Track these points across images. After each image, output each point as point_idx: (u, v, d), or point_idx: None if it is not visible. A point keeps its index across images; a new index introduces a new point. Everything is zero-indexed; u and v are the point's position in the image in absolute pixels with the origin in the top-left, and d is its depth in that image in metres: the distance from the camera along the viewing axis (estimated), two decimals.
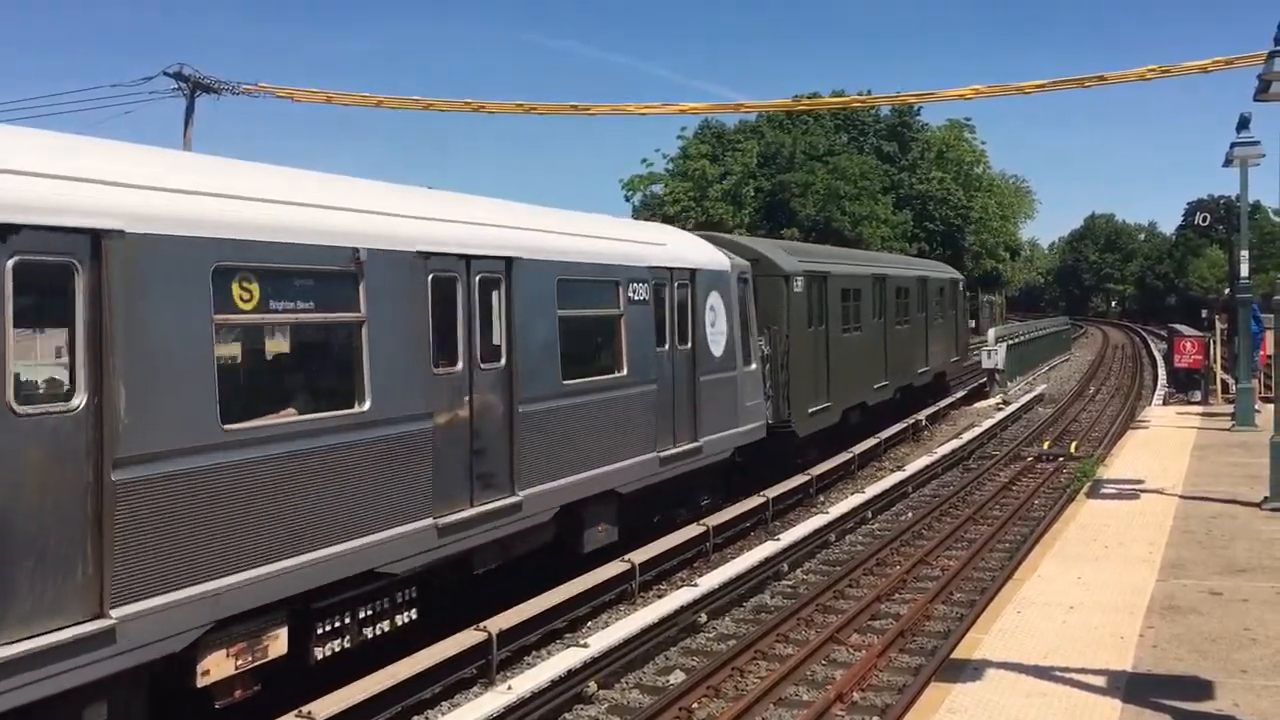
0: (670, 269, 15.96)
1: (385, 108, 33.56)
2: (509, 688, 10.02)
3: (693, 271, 16.63)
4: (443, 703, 10.44)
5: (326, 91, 32.65)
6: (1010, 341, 45.24)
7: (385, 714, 9.70)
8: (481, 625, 11.09)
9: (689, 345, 16.42)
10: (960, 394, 37.79)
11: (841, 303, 24.53)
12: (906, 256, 47.06)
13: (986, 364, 40.82)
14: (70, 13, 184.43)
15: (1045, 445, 27.53)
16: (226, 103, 33.52)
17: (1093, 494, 17.37)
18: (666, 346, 15.71)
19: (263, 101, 33.07)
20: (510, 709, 9.71)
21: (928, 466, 23.38)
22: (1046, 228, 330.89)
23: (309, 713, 8.82)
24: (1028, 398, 38.11)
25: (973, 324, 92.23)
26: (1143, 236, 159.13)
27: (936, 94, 29.37)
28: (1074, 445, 27.43)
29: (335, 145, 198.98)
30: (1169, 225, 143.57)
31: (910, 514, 19.75)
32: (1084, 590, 11.64)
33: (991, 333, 46.49)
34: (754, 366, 18.85)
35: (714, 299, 17.23)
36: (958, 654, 9.95)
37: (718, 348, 17.31)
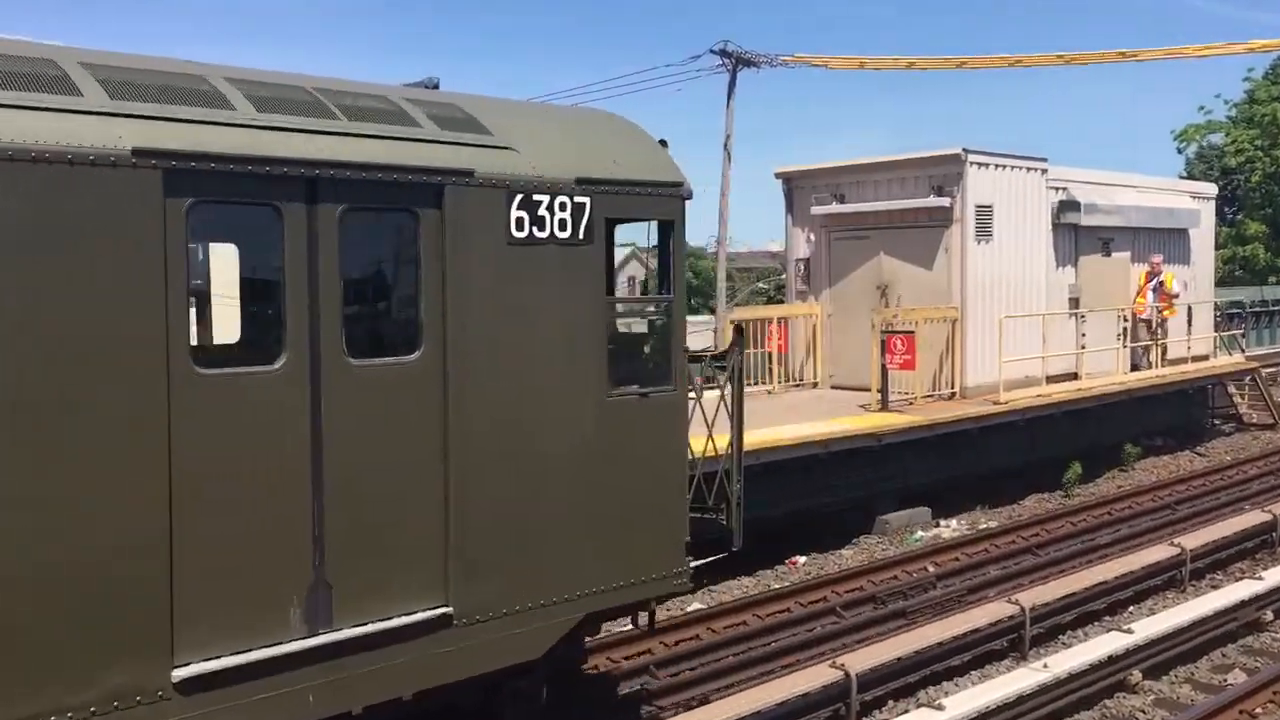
0: None
1: (916, 69, 33.35)
2: (1044, 665, 9.62)
3: None
4: (972, 671, 10.30)
5: (859, 57, 33.03)
6: None
7: (914, 674, 9.77)
8: (1013, 599, 10.80)
9: None
10: None
11: None
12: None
13: None
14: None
15: None
16: (765, 74, 34.94)
17: None
18: None
19: (799, 71, 34.11)
20: (1045, 688, 9.33)
21: None
22: None
23: (842, 664, 9.10)
24: None
25: None
26: None
27: None
28: None
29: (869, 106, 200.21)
30: None
31: None
32: None
33: None
34: None
35: None
36: None
37: None
